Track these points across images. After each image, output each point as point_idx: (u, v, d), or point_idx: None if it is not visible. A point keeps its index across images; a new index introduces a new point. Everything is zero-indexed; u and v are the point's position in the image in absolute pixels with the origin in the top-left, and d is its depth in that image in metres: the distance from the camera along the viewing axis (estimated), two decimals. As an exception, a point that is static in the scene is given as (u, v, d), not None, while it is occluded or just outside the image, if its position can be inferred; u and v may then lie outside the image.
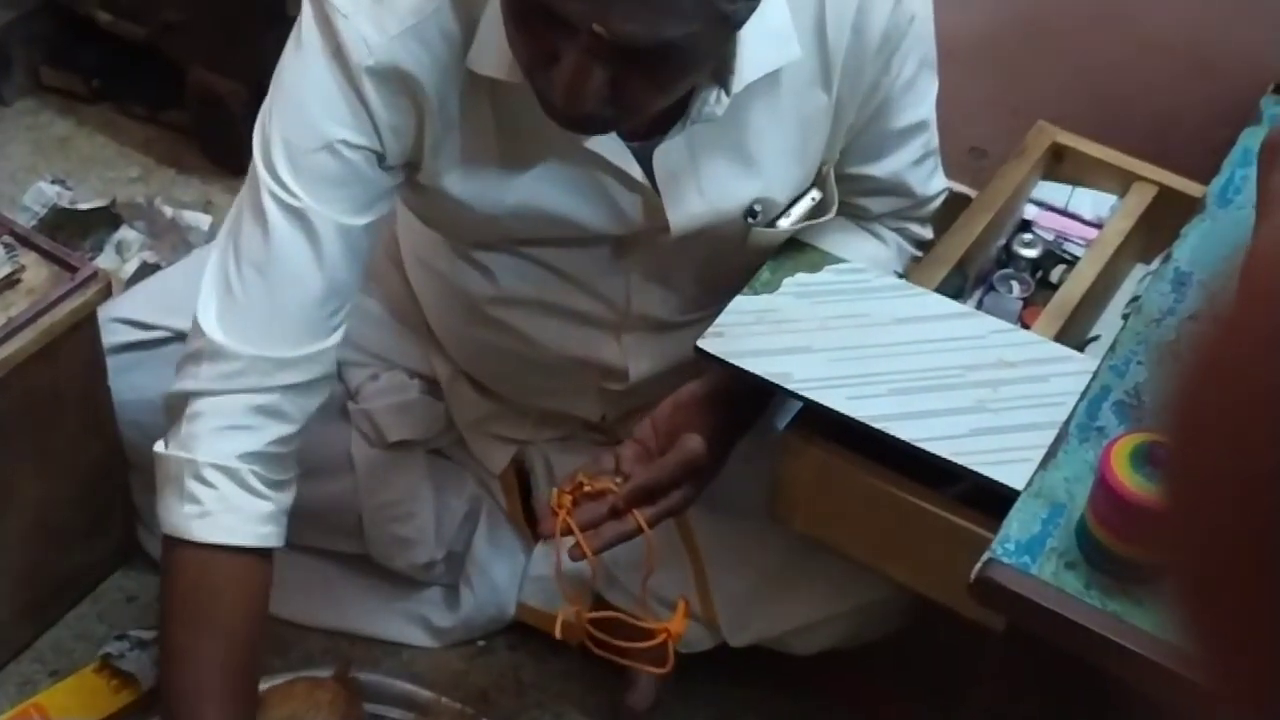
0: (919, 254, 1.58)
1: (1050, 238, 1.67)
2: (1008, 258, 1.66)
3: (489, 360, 1.57)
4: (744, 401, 1.38)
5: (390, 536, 1.63)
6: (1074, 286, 1.56)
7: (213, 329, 1.26)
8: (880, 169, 1.45)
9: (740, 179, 1.35)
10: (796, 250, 1.46)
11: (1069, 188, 1.69)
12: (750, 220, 1.38)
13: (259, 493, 1.28)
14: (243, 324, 1.26)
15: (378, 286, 1.62)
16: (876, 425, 1.29)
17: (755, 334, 1.38)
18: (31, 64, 2.32)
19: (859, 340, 1.37)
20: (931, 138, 1.47)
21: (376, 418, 1.61)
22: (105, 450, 1.61)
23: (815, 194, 1.42)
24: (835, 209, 1.43)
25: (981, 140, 2.06)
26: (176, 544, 1.28)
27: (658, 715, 1.60)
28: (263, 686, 1.51)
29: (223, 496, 1.26)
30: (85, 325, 1.49)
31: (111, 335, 1.57)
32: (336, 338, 1.31)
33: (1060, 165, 1.71)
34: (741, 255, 1.43)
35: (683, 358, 1.50)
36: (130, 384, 1.58)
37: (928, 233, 1.58)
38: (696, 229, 1.36)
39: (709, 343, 1.36)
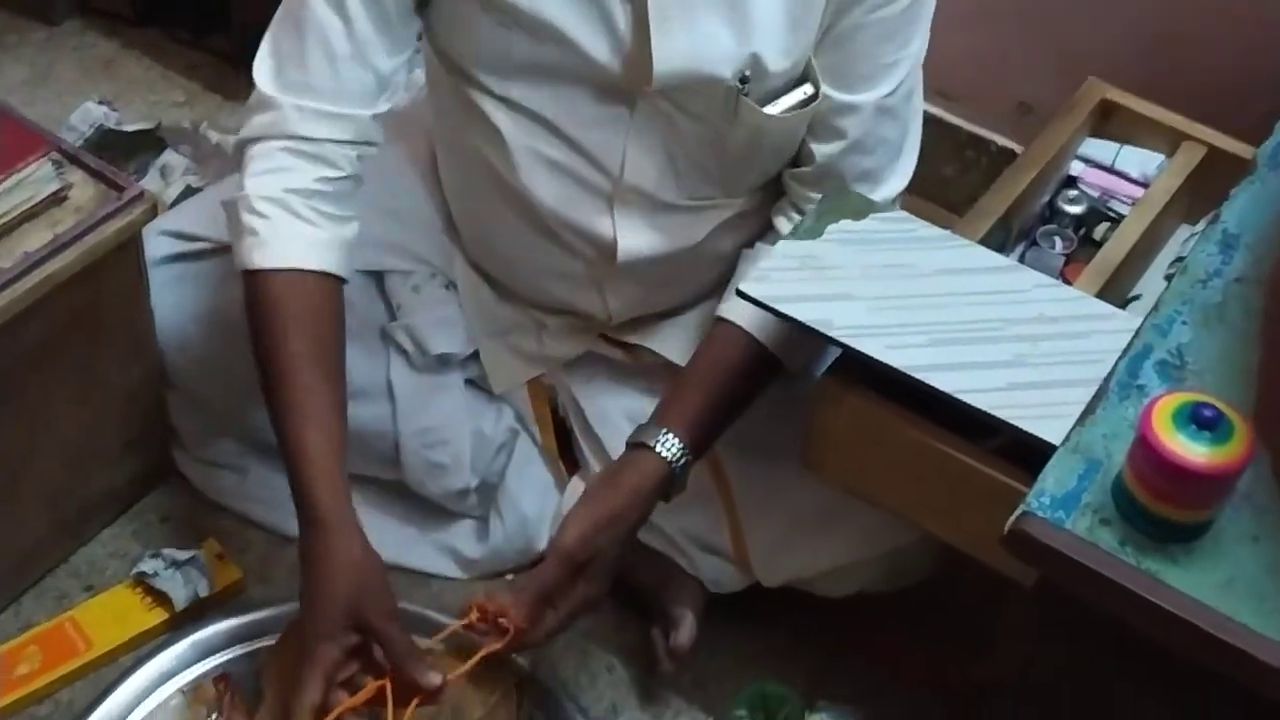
0: None
1: (1095, 195, 1.66)
2: (1051, 214, 1.66)
3: (498, 241, 1.59)
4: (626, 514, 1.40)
5: (426, 463, 1.64)
6: (1117, 245, 1.55)
7: (263, 82, 1.39)
8: (845, 95, 1.43)
9: (731, 34, 1.36)
10: (840, 197, 1.45)
11: (1117, 145, 1.68)
12: (740, 88, 1.38)
13: (311, 221, 1.38)
14: (286, 77, 1.38)
15: (418, 196, 1.66)
16: (915, 374, 1.29)
17: (797, 279, 1.38)
18: (78, -15, 2.32)
19: (901, 289, 1.37)
20: (906, 110, 1.47)
21: (418, 331, 1.62)
22: (144, 372, 1.63)
23: (808, 88, 1.42)
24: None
25: (1029, 96, 2.04)
26: (247, 279, 1.38)
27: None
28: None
29: (275, 225, 1.37)
30: (130, 245, 1.50)
31: (155, 248, 1.59)
32: (375, 109, 1.41)
33: (1109, 123, 1.70)
34: (735, 137, 1.43)
35: (671, 247, 1.51)
36: (173, 299, 1.60)
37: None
38: (681, 76, 1.37)
39: (750, 286, 1.36)
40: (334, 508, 1.34)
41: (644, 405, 1.61)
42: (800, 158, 1.49)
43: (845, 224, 1.43)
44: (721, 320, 1.48)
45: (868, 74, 1.42)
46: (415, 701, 1.33)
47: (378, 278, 1.66)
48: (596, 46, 1.37)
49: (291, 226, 1.38)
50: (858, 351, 1.31)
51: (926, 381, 1.28)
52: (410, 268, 1.66)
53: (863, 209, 1.45)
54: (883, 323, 1.33)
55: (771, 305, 1.34)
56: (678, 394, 1.45)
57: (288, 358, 1.36)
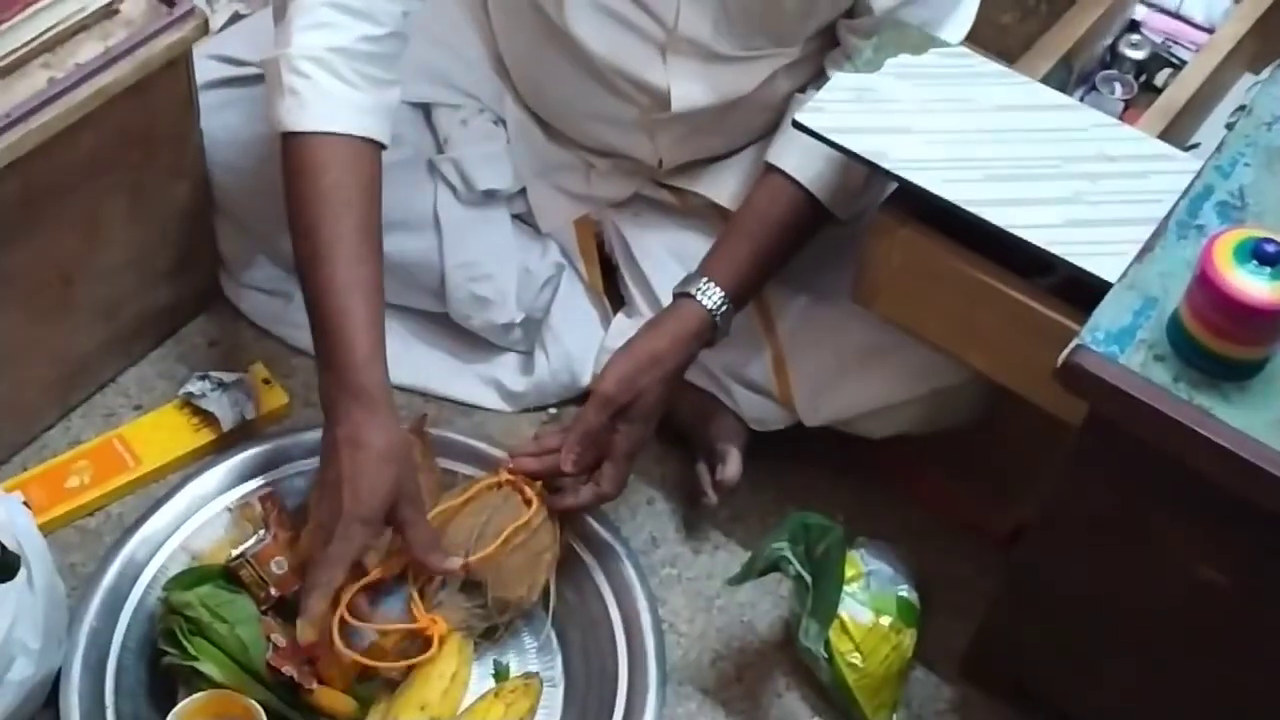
0: None
1: (1159, 40, 1.63)
2: (1113, 58, 1.63)
3: (548, 84, 1.58)
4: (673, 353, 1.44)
5: (471, 296, 1.64)
6: (1179, 91, 1.53)
7: None
8: None
9: None
10: (899, 31, 1.43)
11: (1182, -11, 1.65)
12: None
13: (352, 83, 1.35)
14: None
15: (467, 33, 1.64)
16: (970, 209, 1.28)
17: (854, 112, 1.36)
18: None
19: (958, 124, 1.35)
20: None
21: (465, 165, 1.62)
22: (193, 192, 1.63)
23: None
24: None
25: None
26: (285, 142, 1.36)
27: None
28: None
29: (316, 85, 1.34)
30: (180, 63, 1.49)
31: (205, 72, 1.58)
32: None
33: (1176, -34, 1.66)
34: None
35: (724, 97, 1.50)
36: (222, 122, 1.59)
37: None
38: None
39: (807, 117, 1.35)
40: (385, 390, 1.34)
41: (690, 243, 1.61)
42: (856, 8, 1.47)
43: (904, 58, 1.41)
44: (771, 169, 1.47)
45: None
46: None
47: (425, 110, 1.65)
48: None
49: (334, 87, 1.34)
50: (913, 184, 1.30)
51: (982, 216, 1.27)
52: (459, 102, 1.65)
53: (922, 43, 1.42)
54: (939, 157, 1.32)
55: (826, 136, 1.33)
56: (723, 243, 1.48)
57: (329, 230, 1.33)
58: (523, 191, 1.68)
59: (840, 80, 1.38)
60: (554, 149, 1.65)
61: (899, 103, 1.37)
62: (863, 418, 1.56)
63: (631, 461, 1.46)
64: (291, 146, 1.35)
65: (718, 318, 1.44)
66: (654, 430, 1.48)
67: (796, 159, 1.45)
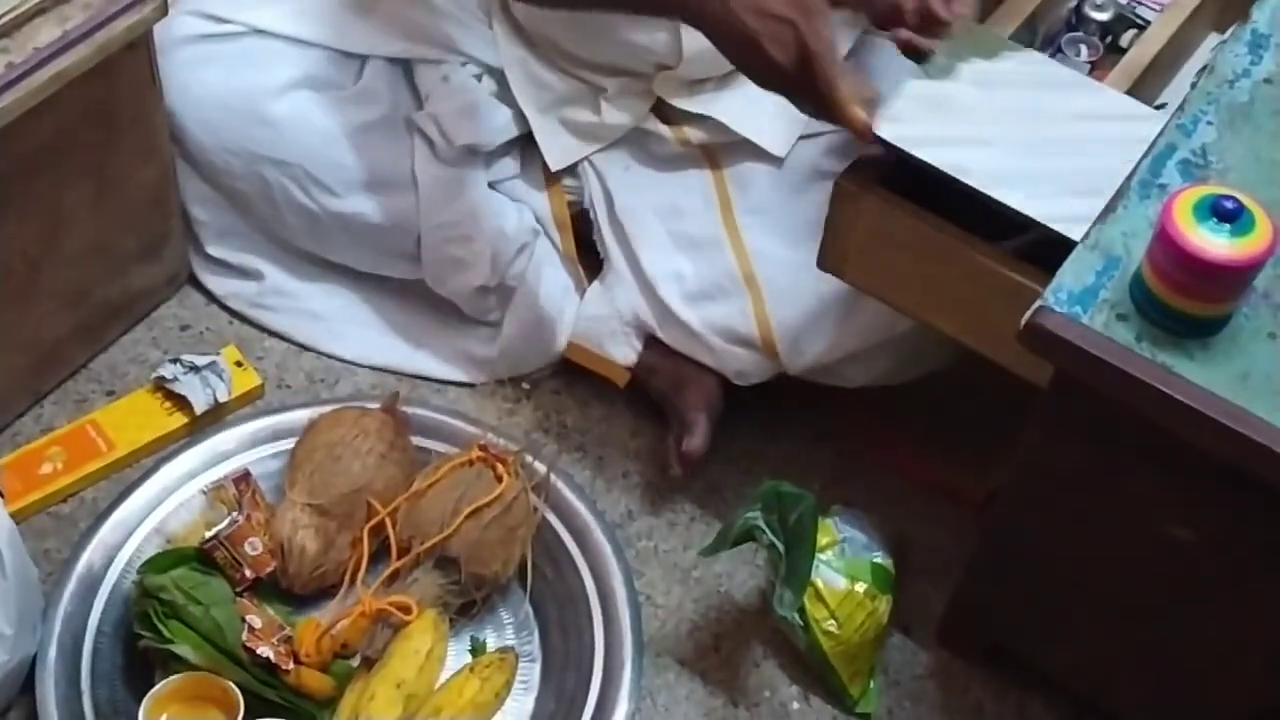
0: None
1: (1123, 1, 1.62)
2: (1078, 20, 1.62)
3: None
4: None
5: (447, 257, 1.64)
6: (1143, 50, 1.52)
7: None
8: None
9: None
10: (971, 35, 1.39)
11: (1147, -52, 1.64)
12: None
13: None
14: None
15: None
16: (1055, 226, 1.24)
17: (929, 121, 1.32)
18: None
19: (1037, 135, 1.33)
20: None
21: (443, 120, 1.60)
22: (160, 175, 1.62)
23: None
24: None
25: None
26: None
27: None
28: (312, 414, 1.55)
29: None
30: (140, 44, 1.48)
31: (184, 28, 1.58)
32: None
33: (1140, -75, 1.65)
34: None
35: None
36: (200, 79, 1.59)
37: None
38: None
39: (884, 129, 1.29)
40: None
41: (677, 201, 1.61)
42: None
43: (978, 63, 1.38)
44: None
45: None
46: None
47: (406, 67, 1.64)
48: None
49: None
50: (1000, 204, 1.26)
51: (1067, 235, 1.22)
52: (440, 56, 1.63)
53: (995, 47, 1.40)
54: (1019, 170, 1.29)
55: (903, 149, 1.29)
56: None
57: None
58: (500, 151, 1.66)
59: (915, 88, 1.35)
60: (560, 80, 1.63)
61: (976, 112, 1.34)
62: (844, 362, 1.57)
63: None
64: None
65: None
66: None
67: None
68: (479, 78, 1.65)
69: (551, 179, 1.68)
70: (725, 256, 1.57)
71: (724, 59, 1.48)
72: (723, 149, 1.65)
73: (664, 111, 1.65)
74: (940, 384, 1.63)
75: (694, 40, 1.53)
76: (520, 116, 1.65)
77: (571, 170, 1.67)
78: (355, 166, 1.61)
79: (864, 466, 1.68)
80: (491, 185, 1.66)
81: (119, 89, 1.50)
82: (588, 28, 1.59)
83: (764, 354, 1.58)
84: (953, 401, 1.66)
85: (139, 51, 1.49)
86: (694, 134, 1.65)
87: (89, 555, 1.46)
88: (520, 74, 1.64)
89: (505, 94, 1.65)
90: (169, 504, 1.52)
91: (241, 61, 1.54)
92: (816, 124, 1.54)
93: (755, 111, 1.61)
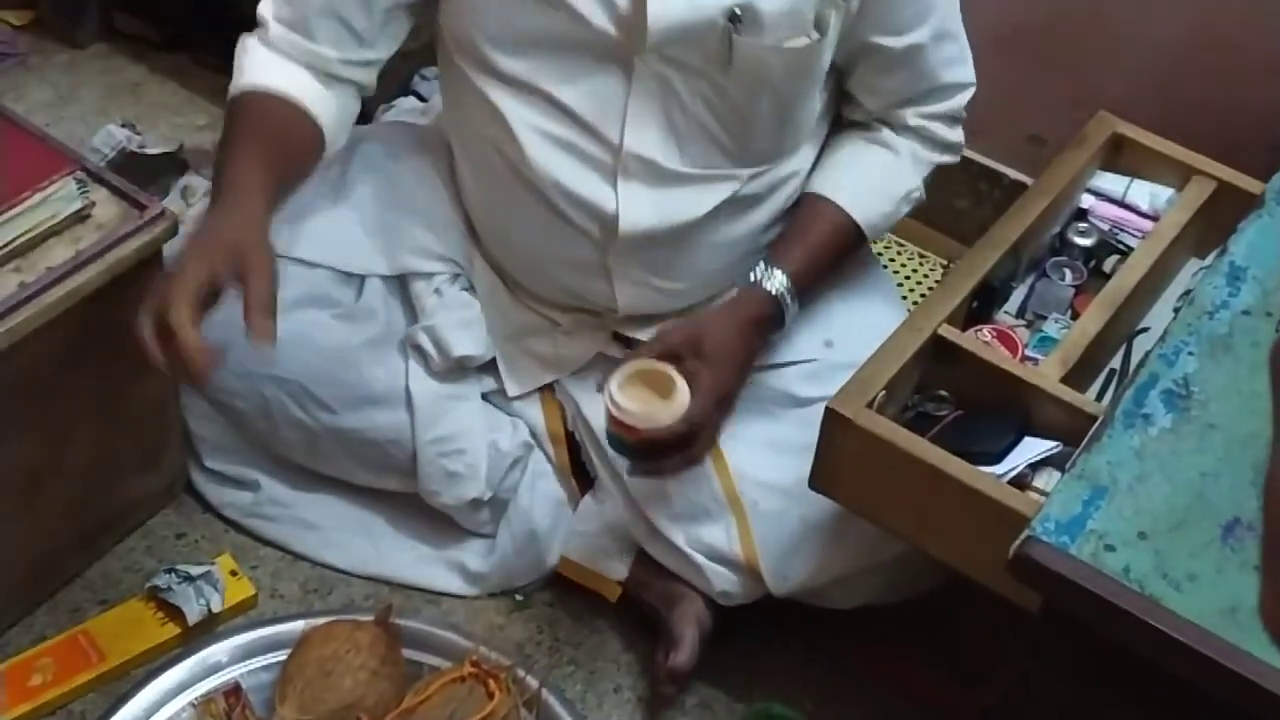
0: (946, 159, 1.65)
1: (1106, 227, 1.67)
2: (1062, 245, 1.67)
3: (512, 230, 1.62)
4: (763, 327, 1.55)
5: (442, 471, 1.65)
6: (1126, 276, 1.56)
7: (264, 9, 1.53)
8: (893, 41, 1.52)
9: None
10: None
11: (1127, 179, 1.70)
12: (733, 27, 1.41)
13: (294, 59, 1.51)
14: (281, 10, 1.52)
15: (441, 200, 1.68)
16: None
17: None
18: (106, 10, 2.35)
19: None
20: (950, 22, 1.55)
21: (440, 332, 1.64)
22: (162, 389, 1.64)
23: (814, 34, 1.46)
24: (828, 57, 1.51)
25: (1041, 128, 2.06)
26: (229, 105, 1.51)
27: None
28: (305, 626, 1.55)
29: (255, 58, 1.52)
30: (151, 262, 1.52)
31: None
32: (361, 55, 1.53)
33: (1119, 156, 1.71)
34: (734, 86, 1.46)
35: (676, 220, 1.53)
36: None
37: (955, 134, 1.64)
38: (675, 29, 1.41)
39: None
40: (248, 186, 1.41)
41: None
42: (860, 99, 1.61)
43: None
44: (816, 197, 1.59)
45: (911, 12, 1.51)
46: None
47: (401, 284, 1.68)
48: (594, 11, 1.42)
49: (273, 56, 1.51)
50: None
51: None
52: (434, 269, 1.67)
53: None
54: None
55: None
56: (781, 242, 1.59)
57: (234, 145, 1.45)
58: (492, 365, 1.70)
59: None
60: (521, 312, 1.67)
61: None
62: (830, 586, 1.57)
63: (717, 407, 1.53)
64: (234, 105, 1.50)
65: (782, 296, 1.55)
66: (740, 384, 1.56)
67: (846, 194, 1.59)
68: (471, 290, 1.69)
69: (546, 392, 1.71)
70: (709, 478, 1.59)
71: (665, 301, 1.57)
72: None
73: (628, 338, 1.68)
74: (936, 596, 1.63)
75: (628, 289, 1.59)
76: None
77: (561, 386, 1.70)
78: (351, 383, 1.64)
79: (859, 681, 1.67)
80: (485, 398, 1.69)
81: (128, 305, 1.52)
82: (535, 270, 1.64)
83: (749, 576, 1.58)
84: (949, 614, 1.66)
85: (149, 269, 1.52)
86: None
87: (76, 771, 1.45)
88: (489, 300, 1.68)
89: None
90: (159, 717, 1.51)
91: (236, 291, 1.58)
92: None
93: None
